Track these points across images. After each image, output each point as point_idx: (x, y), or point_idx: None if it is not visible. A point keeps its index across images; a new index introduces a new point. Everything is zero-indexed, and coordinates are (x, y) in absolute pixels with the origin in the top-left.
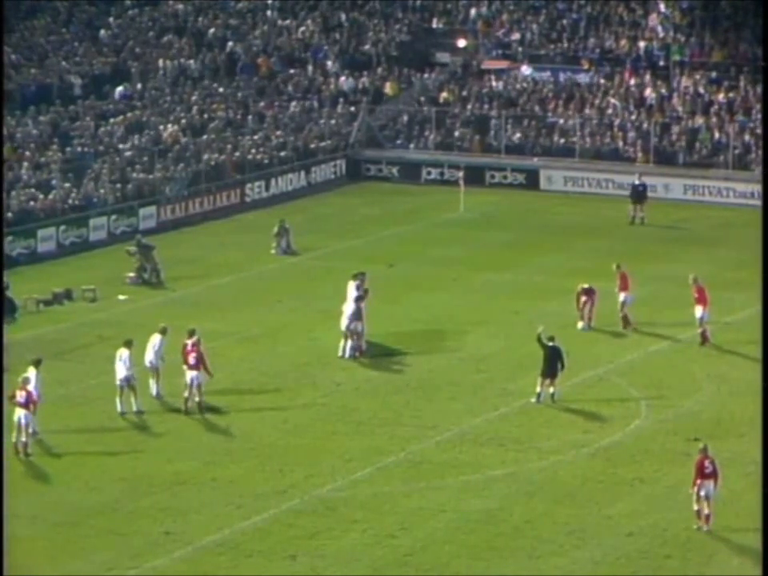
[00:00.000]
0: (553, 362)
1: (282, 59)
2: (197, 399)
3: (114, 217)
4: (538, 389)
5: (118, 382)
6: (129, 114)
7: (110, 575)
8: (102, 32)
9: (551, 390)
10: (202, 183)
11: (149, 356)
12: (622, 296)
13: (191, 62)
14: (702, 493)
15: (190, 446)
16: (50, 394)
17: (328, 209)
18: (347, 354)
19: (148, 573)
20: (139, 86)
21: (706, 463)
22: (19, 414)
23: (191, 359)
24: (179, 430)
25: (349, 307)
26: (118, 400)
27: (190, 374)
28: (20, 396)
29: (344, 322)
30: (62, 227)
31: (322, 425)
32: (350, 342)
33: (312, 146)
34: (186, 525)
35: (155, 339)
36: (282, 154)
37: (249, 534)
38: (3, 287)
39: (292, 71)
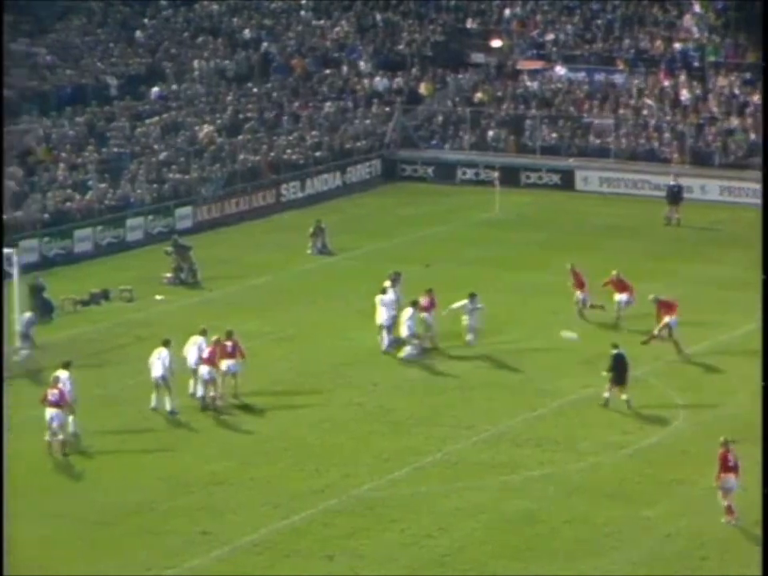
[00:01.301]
0: (620, 369)
1: (316, 59)
2: (216, 395)
3: (150, 217)
4: (606, 394)
5: (153, 379)
6: (164, 115)
7: (148, 575)
8: (138, 32)
9: (624, 396)
10: (238, 183)
11: (191, 357)
12: (619, 297)
13: (226, 62)
14: (726, 486)
15: (227, 446)
16: (86, 394)
17: (363, 209)
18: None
19: (185, 572)
20: (174, 86)
21: (729, 456)
22: (51, 413)
23: (227, 350)
24: (216, 429)
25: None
26: (153, 396)
27: (227, 363)
28: (51, 395)
29: (382, 316)
30: (99, 228)
31: (359, 424)
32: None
33: (347, 146)
34: (224, 524)
35: (196, 339)
36: (318, 154)
37: (286, 534)
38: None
39: (326, 71)
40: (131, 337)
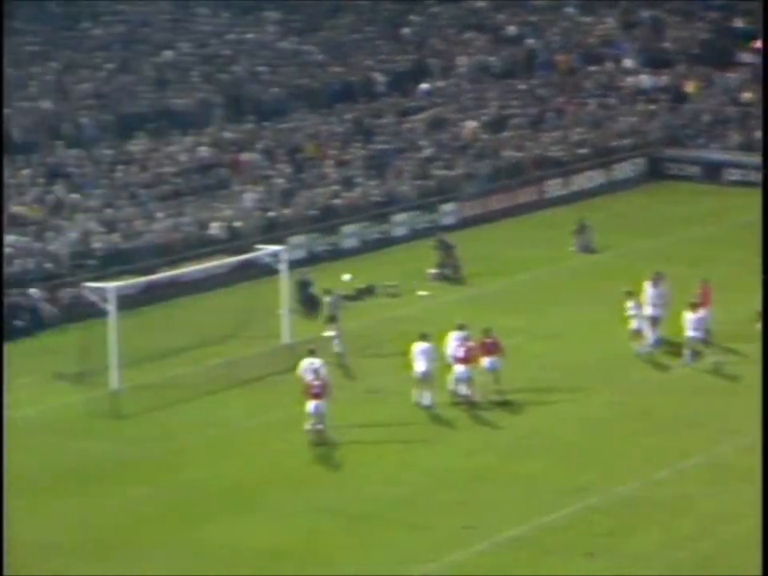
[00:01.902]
0: None
1: (581, 56)
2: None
3: (415, 213)
4: None
5: (416, 374)
6: (430, 111)
7: (409, 570)
8: (405, 29)
9: None
10: (502, 180)
11: (451, 352)
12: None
13: (491, 58)
14: None
15: (489, 441)
16: (351, 388)
17: (628, 207)
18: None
19: (446, 566)
20: (440, 82)
21: None
22: (314, 403)
23: (488, 347)
24: (477, 424)
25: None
26: (415, 391)
27: (487, 360)
28: (314, 386)
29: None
30: (365, 224)
31: (621, 424)
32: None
33: (612, 143)
34: (485, 519)
35: (455, 335)
36: (582, 151)
37: (547, 531)
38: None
39: (591, 68)
40: (396, 332)
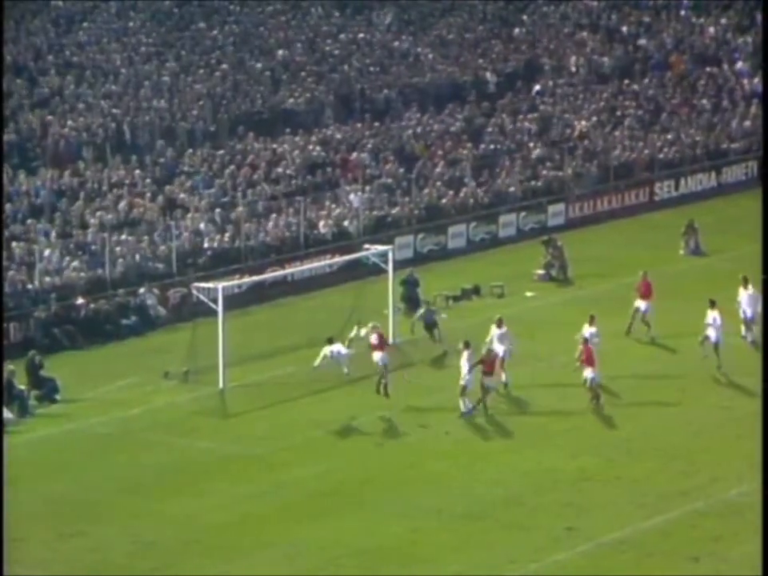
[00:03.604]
0: None
1: (694, 57)
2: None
3: (523, 213)
4: None
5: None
6: (541, 111)
7: (511, 569)
8: (516, 29)
9: None
10: (611, 181)
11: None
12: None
13: (604, 58)
14: None
15: (594, 443)
16: (452, 390)
17: (739, 210)
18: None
19: (549, 566)
20: (551, 82)
21: None
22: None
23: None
24: (583, 426)
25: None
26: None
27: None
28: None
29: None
30: (473, 223)
31: (728, 428)
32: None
33: (723, 146)
34: (589, 521)
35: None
36: (693, 153)
37: (651, 534)
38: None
39: (705, 70)
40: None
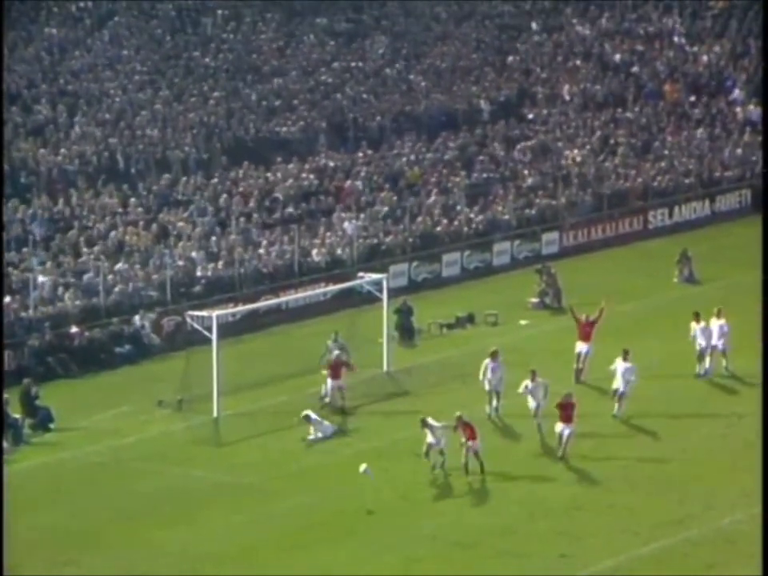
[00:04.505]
0: None
1: (688, 85)
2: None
3: (517, 242)
4: None
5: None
6: (534, 140)
7: None
8: (510, 57)
9: None
10: (605, 209)
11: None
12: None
13: (597, 87)
14: None
15: (586, 471)
16: (451, 417)
17: (732, 239)
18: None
19: None
20: (545, 111)
21: None
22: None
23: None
24: (575, 454)
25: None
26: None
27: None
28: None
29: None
30: (467, 252)
31: (723, 457)
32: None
33: (717, 174)
34: (582, 549)
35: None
36: (687, 181)
37: (645, 562)
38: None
39: (698, 98)
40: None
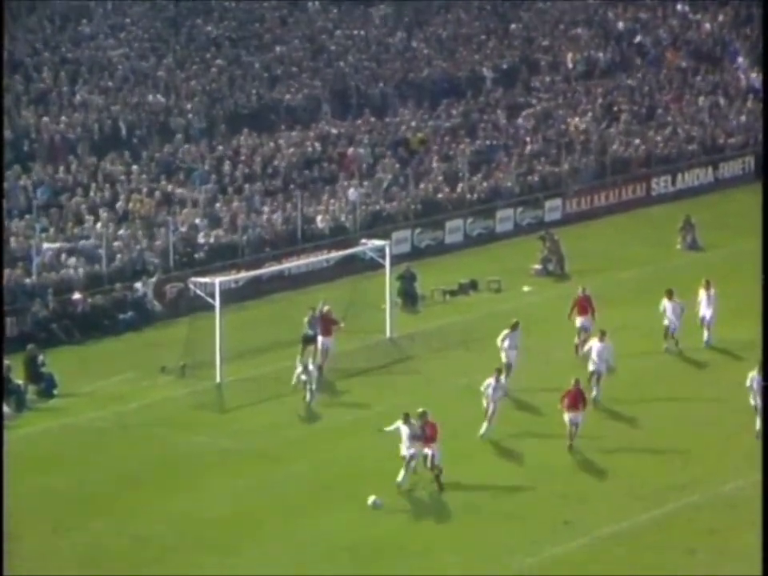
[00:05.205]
0: None
1: (690, 53)
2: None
3: (520, 209)
4: None
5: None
6: (537, 107)
7: (509, 562)
8: (513, 25)
9: None
10: (608, 176)
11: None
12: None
13: (599, 54)
14: None
15: (592, 436)
16: (452, 384)
17: (735, 205)
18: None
19: (546, 560)
20: (548, 78)
21: None
22: None
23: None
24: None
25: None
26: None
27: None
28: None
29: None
30: (470, 219)
31: (725, 422)
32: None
33: (720, 141)
34: (586, 514)
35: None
36: (690, 148)
37: (648, 527)
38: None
39: (701, 65)
40: (498, 328)
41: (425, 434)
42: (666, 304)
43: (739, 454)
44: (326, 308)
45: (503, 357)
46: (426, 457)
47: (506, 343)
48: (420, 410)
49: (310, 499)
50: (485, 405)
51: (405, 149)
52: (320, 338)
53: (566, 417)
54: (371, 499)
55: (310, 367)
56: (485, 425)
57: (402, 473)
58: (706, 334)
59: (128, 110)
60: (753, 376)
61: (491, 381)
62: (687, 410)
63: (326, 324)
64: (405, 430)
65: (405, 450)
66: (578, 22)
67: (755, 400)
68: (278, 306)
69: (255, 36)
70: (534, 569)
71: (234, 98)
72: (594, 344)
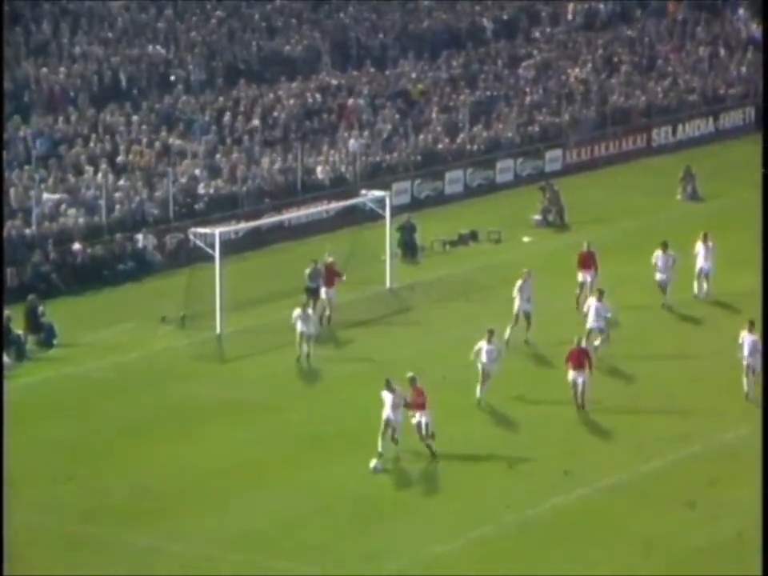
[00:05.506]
0: None
1: (691, 3)
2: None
3: (520, 159)
4: None
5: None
6: (538, 58)
7: (509, 512)
8: None
9: None
10: (608, 127)
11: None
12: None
13: (600, 5)
14: None
15: (591, 388)
16: (450, 335)
17: (735, 156)
18: None
19: (546, 511)
20: (548, 29)
21: None
22: None
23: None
24: None
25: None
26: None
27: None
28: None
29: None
30: (470, 169)
31: (725, 373)
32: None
33: (721, 91)
34: (585, 465)
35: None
36: (690, 99)
37: (647, 478)
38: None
39: (702, 15)
40: (498, 278)
41: (414, 402)
42: (659, 255)
43: (737, 404)
44: (330, 259)
45: (515, 308)
46: (418, 425)
47: (523, 295)
48: (409, 374)
49: (309, 451)
50: (479, 369)
51: (405, 100)
52: (323, 290)
53: (571, 376)
54: (372, 463)
55: (310, 312)
56: (478, 388)
57: (379, 441)
58: (705, 286)
59: (128, 61)
60: (744, 335)
61: (483, 344)
62: (686, 365)
63: (330, 275)
64: (388, 397)
65: (386, 416)
66: None
67: (747, 359)
68: (277, 257)
69: None
70: (535, 520)
71: (234, 50)
72: (592, 303)
